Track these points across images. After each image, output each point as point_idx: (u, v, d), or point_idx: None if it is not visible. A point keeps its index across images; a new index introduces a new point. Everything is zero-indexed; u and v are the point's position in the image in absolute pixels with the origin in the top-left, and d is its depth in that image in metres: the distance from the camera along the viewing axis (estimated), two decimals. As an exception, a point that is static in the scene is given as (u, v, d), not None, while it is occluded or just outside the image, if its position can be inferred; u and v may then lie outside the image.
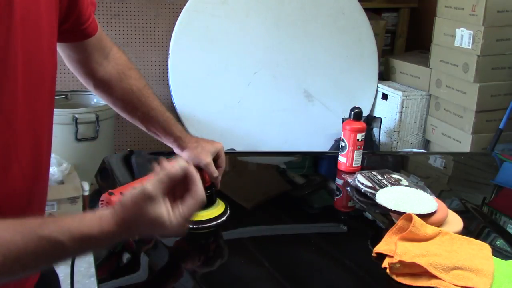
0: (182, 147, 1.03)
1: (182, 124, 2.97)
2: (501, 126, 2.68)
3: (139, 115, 1.02)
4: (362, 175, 1.21)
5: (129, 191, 0.68)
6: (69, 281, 0.93)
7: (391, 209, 1.01)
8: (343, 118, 2.83)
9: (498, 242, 1.04)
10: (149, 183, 0.68)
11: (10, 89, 0.66)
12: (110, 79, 0.97)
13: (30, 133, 0.72)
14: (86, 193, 2.37)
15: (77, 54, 0.93)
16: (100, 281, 0.87)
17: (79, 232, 0.62)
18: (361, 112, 1.30)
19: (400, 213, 0.98)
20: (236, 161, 1.46)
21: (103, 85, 0.98)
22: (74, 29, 0.86)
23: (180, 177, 0.71)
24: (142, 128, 1.05)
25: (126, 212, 0.67)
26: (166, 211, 0.68)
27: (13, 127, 0.68)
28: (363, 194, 1.17)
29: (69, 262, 0.85)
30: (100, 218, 0.65)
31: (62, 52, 0.93)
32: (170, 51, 2.94)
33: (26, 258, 0.60)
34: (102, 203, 0.87)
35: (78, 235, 0.62)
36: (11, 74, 0.66)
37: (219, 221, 1.00)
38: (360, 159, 1.30)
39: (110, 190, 0.88)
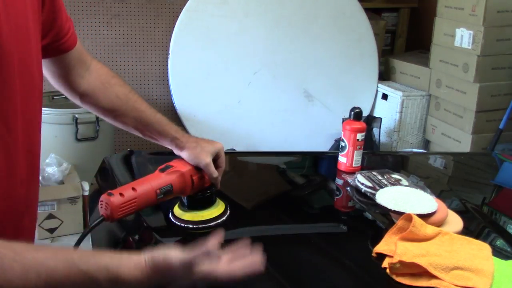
0: (181, 147, 1.03)
1: (182, 124, 2.98)
2: (501, 126, 2.68)
3: (130, 121, 1.02)
4: (362, 175, 1.21)
5: (167, 255, 0.70)
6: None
7: (391, 209, 1.01)
8: (343, 118, 2.83)
9: (498, 242, 1.04)
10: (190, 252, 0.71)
11: (9, 95, 0.67)
12: (94, 90, 0.99)
13: (25, 138, 0.73)
14: (86, 193, 2.37)
15: (59, 69, 0.95)
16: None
17: (115, 275, 0.66)
18: (361, 112, 1.30)
19: (400, 213, 0.98)
20: (236, 161, 1.46)
21: (89, 97, 0.99)
22: (54, 43, 0.89)
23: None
24: (138, 135, 1.05)
25: (160, 274, 0.69)
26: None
27: (13, 133, 0.69)
28: (363, 194, 1.17)
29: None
30: (135, 267, 0.67)
31: (45, 70, 0.94)
32: (170, 51, 2.94)
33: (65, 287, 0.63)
34: (101, 204, 0.87)
35: (114, 277, 0.66)
36: (9, 80, 0.67)
37: (219, 221, 1.00)
38: (360, 159, 1.30)
39: (109, 191, 0.88)
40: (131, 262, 0.68)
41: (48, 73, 0.96)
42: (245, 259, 0.76)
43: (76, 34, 0.96)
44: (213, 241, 0.74)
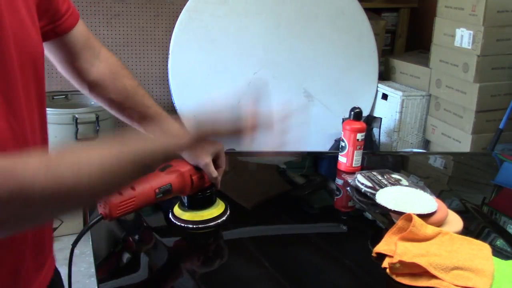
0: (181, 146, 1.03)
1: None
2: (501, 126, 2.68)
3: (135, 115, 1.01)
4: (362, 175, 1.21)
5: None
6: (70, 282, 0.93)
7: (391, 209, 1.01)
8: (343, 118, 2.83)
9: (498, 242, 1.04)
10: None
11: (6, 69, 0.66)
12: (104, 78, 0.97)
13: (34, 119, 0.73)
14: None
15: (64, 53, 0.92)
16: (100, 281, 0.87)
17: (163, 155, 0.73)
18: (361, 112, 1.30)
19: (400, 213, 0.98)
20: (236, 161, 1.46)
21: (98, 85, 0.97)
22: (51, 24, 0.85)
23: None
24: (139, 129, 1.05)
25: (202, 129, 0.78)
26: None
27: (19, 116, 0.69)
28: (363, 194, 1.17)
29: (68, 262, 0.85)
30: (179, 145, 0.76)
31: (52, 56, 0.92)
32: (170, 51, 2.94)
33: (118, 174, 0.64)
34: (100, 202, 0.87)
35: (162, 156, 0.73)
36: (7, 59, 0.66)
37: (219, 221, 1.00)
38: (360, 159, 1.30)
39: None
40: (175, 141, 0.75)
41: (55, 59, 0.93)
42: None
43: (79, 16, 0.92)
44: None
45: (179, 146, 0.76)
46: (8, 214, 0.54)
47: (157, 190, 0.92)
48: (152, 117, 1.02)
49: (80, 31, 0.92)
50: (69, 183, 0.57)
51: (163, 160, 0.75)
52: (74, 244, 0.85)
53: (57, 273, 0.91)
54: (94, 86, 0.97)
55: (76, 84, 0.98)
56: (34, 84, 0.75)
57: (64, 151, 0.61)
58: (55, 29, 0.87)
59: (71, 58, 0.93)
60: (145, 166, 0.69)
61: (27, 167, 0.54)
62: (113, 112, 1.02)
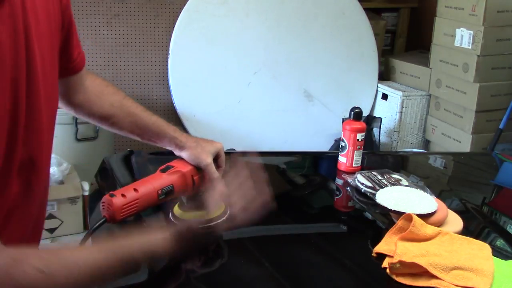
0: (181, 147, 1.03)
1: (181, 124, 2.98)
2: (501, 126, 2.68)
3: (126, 126, 1.03)
4: (362, 175, 1.21)
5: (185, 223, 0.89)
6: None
7: (391, 209, 1.01)
8: (343, 118, 2.83)
9: (498, 242, 1.04)
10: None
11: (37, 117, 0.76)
12: (89, 101, 1.01)
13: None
14: (86, 193, 2.37)
15: (62, 88, 0.95)
16: (100, 281, 0.87)
17: (150, 252, 0.77)
18: (361, 112, 1.30)
19: (400, 213, 0.98)
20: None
21: (83, 108, 1.01)
22: (64, 65, 0.91)
23: None
24: (137, 139, 1.06)
25: (183, 240, 0.81)
26: None
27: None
28: (363, 194, 1.17)
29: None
30: (163, 240, 0.79)
31: None
32: (170, 51, 2.94)
33: (107, 275, 0.72)
34: (103, 205, 0.87)
35: (149, 254, 0.78)
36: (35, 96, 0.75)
37: (219, 221, 1.00)
38: (360, 159, 1.30)
39: (111, 192, 0.88)
40: (159, 238, 0.79)
41: None
42: (255, 201, 0.89)
43: (85, 60, 0.98)
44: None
45: (165, 246, 0.79)
46: None
47: (159, 191, 0.92)
48: (143, 124, 1.04)
49: (81, 73, 0.98)
50: (60, 285, 0.65)
51: (150, 258, 0.81)
52: None
53: None
54: (79, 109, 1.01)
55: (62, 106, 1.02)
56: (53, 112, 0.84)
57: (60, 256, 0.68)
58: (64, 70, 0.92)
59: (65, 91, 0.98)
60: (133, 264, 0.77)
61: (24, 271, 0.61)
62: (104, 127, 1.06)
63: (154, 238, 0.79)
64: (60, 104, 1.01)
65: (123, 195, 0.87)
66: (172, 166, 0.98)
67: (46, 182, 0.88)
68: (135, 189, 0.90)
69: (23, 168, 0.76)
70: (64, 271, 0.64)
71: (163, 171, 0.97)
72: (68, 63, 0.93)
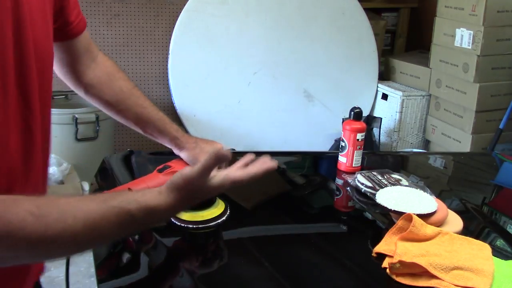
0: (180, 147, 1.03)
1: (182, 124, 2.99)
2: (501, 126, 2.68)
3: (132, 116, 1.02)
4: (362, 175, 1.21)
5: (183, 172, 0.76)
6: (70, 281, 0.94)
7: (391, 209, 1.01)
8: (343, 118, 2.83)
9: (498, 242, 1.04)
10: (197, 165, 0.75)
11: (27, 72, 0.70)
12: (99, 81, 0.99)
13: (41, 118, 0.75)
14: (86, 193, 2.37)
15: (67, 55, 0.95)
16: (100, 281, 0.87)
17: (144, 203, 0.70)
18: (361, 112, 1.30)
19: (400, 213, 0.98)
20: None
21: (94, 88, 0.99)
22: (63, 29, 0.88)
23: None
24: (138, 130, 1.05)
25: (183, 191, 0.75)
26: (222, 179, 0.78)
27: (30, 108, 0.71)
28: (363, 194, 1.17)
29: (66, 262, 0.86)
30: (159, 193, 0.73)
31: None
32: (170, 51, 2.95)
33: (102, 225, 0.65)
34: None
35: (144, 205, 0.69)
36: (27, 62, 0.69)
37: (219, 221, 1.00)
38: (360, 159, 1.30)
39: (106, 192, 0.88)
40: (154, 191, 0.73)
41: (56, 60, 0.94)
42: (256, 161, 0.83)
43: (86, 23, 0.95)
44: (222, 149, 0.79)
45: (166, 206, 0.73)
46: None
47: None
48: (149, 118, 1.02)
49: (84, 36, 0.95)
50: (54, 234, 0.60)
51: (151, 218, 0.73)
52: None
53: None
54: (89, 88, 0.99)
55: (71, 86, 1.00)
56: (43, 86, 0.77)
57: (53, 200, 0.63)
58: (64, 33, 0.90)
59: (71, 61, 0.96)
60: (134, 222, 0.69)
61: (16, 213, 0.58)
62: (109, 114, 1.03)
63: (148, 191, 0.73)
64: (70, 83, 1.00)
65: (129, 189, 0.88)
66: (170, 166, 0.98)
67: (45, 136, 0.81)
68: (129, 189, 0.90)
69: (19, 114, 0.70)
70: (56, 215, 0.61)
71: (160, 171, 0.97)
72: (65, 26, 0.89)
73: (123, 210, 0.67)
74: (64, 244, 0.62)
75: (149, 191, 0.73)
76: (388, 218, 1.05)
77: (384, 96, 3.24)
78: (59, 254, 0.65)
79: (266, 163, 0.84)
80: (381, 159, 1.66)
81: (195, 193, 0.77)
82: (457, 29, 2.83)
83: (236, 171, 0.81)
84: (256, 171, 0.82)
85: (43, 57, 0.75)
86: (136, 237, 1.02)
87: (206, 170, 0.75)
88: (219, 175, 0.79)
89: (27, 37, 0.69)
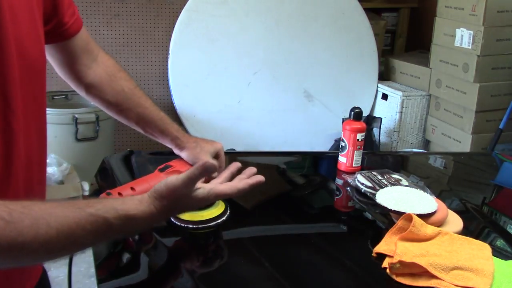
0: (181, 147, 1.03)
1: (182, 124, 2.99)
2: (501, 126, 2.68)
3: (133, 116, 1.01)
4: (362, 175, 1.21)
5: (167, 180, 0.75)
6: (70, 281, 0.94)
7: (391, 209, 1.01)
8: (343, 118, 2.83)
9: (498, 242, 1.04)
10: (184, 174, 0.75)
11: (7, 71, 0.68)
12: (100, 81, 0.98)
13: (26, 120, 0.74)
14: (86, 193, 2.37)
15: (65, 56, 0.94)
16: (100, 281, 0.87)
17: (123, 211, 0.68)
18: (361, 112, 1.30)
19: (400, 213, 0.98)
20: (236, 161, 1.45)
21: (95, 88, 0.98)
22: (57, 30, 0.87)
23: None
24: (138, 130, 1.05)
25: (165, 200, 0.73)
26: (207, 192, 0.79)
27: (11, 109, 0.69)
28: (363, 194, 1.17)
29: (67, 262, 0.86)
30: (140, 202, 0.71)
31: (51, 58, 0.94)
32: (170, 51, 2.95)
33: (77, 233, 0.63)
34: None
35: (123, 214, 0.68)
36: (7, 61, 0.67)
37: (219, 221, 1.00)
38: (360, 159, 1.30)
39: (108, 191, 0.88)
40: (135, 199, 0.71)
41: (54, 61, 0.95)
42: (243, 173, 0.85)
43: (82, 22, 0.94)
44: (210, 161, 0.79)
45: (148, 216, 0.71)
46: None
47: None
48: (150, 118, 1.02)
49: (81, 36, 0.94)
50: (24, 241, 0.59)
51: (131, 227, 0.70)
52: None
53: (43, 272, 0.91)
54: (91, 88, 0.98)
55: (73, 86, 1.00)
56: (34, 93, 0.76)
57: (27, 206, 0.61)
58: (59, 34, 0.89)
59: (70, 61, 0.95)
60: (111, 231, 0.67)
61: None
62: (110, 114, 1.03)
63: (129, 199, 0.71)
64: (71, 83, 0.99)
65: (119, 194, 0.88)
66: (171, 166, 0.98)
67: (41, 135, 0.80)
68: (132, 188, 0.90)
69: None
70: (28, 221, 0.59)
71: (162, 170, 0.97)
72: (60, 27, 0.87)
73: (100, 218, 0.65)
74: (34, 251, 0.61)
75: (130, 199, 0.72)
76: (388, 218, 1.05)
77: (384, 96, 3.24)
78: (28, 261, 0.64)
79: (253, 179, 0.87)
80: (381, 159, 1.65)
81: (178, 203, 0.76)
82: (457, 29, 2.83)
83: (222, 185, 0.83)
84: (242, 186, 0.85)
85: (29, 57, 0.73)
86: (136, 237, 1.02)
87: (191, 180, 0.75)
88: (204, 188, 0.79)
89: (7, 37, 0.67)
